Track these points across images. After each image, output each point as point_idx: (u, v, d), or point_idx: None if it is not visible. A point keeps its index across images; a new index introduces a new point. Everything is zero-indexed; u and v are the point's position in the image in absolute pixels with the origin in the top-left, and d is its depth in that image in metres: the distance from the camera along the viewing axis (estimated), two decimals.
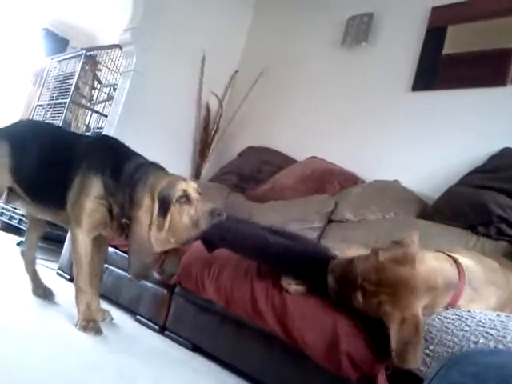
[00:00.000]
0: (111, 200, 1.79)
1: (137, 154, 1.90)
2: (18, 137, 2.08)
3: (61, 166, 1.90)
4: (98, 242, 1.97)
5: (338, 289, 1.46)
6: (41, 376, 1.33)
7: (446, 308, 1.34)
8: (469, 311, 1.30)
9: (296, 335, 1.57)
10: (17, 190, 2.07)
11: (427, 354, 1.26)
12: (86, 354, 1.63)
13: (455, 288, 1.35)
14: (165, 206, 1.68)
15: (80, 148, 1.92)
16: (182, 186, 1.71)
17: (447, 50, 2.87)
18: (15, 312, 1.87)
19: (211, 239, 1.81)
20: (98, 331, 1.81)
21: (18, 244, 3.57)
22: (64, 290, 2.35)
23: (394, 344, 1.26)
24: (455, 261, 1.39)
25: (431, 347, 1.27)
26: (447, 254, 1.43)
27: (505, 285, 1.46)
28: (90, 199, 1.80)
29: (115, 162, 1.83)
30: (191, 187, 1.74)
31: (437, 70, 2.91)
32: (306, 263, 1.63)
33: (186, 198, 1.70)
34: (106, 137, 2.10)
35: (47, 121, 4.25)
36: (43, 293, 2.19)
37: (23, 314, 1.89)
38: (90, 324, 1.81)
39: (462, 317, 1.27)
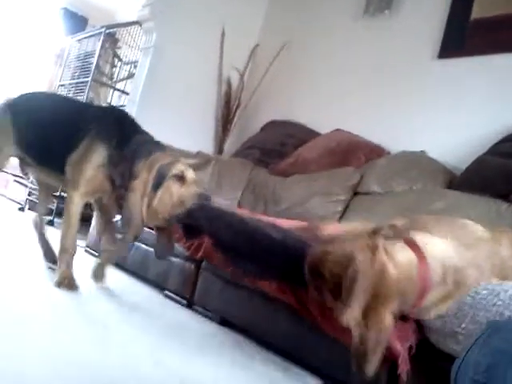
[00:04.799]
0: (112, 170, 1.85)
1: (143, 131, 1.96)
2: (22, 107, 2.14)
3: (66, 130, 1.94)
4: (106, 213, 2.08)
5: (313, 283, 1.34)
6: (65, 353, 1.35)
7: (413, 307, 1.25)
8: (500, 284, 1.26)
9: (316, 316, 1.53)
10: (25, 159, 2.15)
11: (459, 332, 1.22)
12: (114, 328, 1.65)
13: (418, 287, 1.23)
14: (159, 182, 1.77)
15: (88, 115, 1.97)
16: (179, 166, 1.80)
17: (476, 14, 2.76)
18: (38, 290, 1.89)
19: (193, 223, 1.80)
20: (72, 287, 1.88)
21: (47, 223, 3.62)
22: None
23: (353, 350, 1.16)
24: (421, 255, 1.23)
25: (463, 325, 1.23)
26: (416, 247, 1.25)
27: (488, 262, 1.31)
28: (92, 166, 1.84)
29: (122, 134, 1.88)
30: (188, 169, 1.82)
31: (464, 35, 2.81)
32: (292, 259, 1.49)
33: (180, 178, 1.78)
34: (115, 108, 2.16)
35: None
36: (53, 259, 2.21)
37: (45, 290, 1.91)
38: (66, 280, 1.88)
39: (494, 291, 1.23)
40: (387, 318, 1.14)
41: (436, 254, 1.24)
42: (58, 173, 2.00)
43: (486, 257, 1.29)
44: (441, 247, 1.26)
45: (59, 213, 3.49)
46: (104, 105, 1.93)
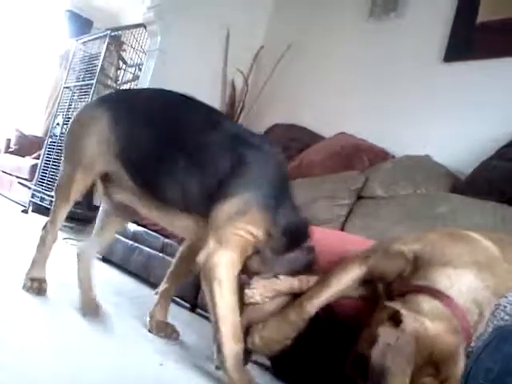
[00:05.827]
0: (267, 239, 1.41)
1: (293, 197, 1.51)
2: (128, 108, 1.65)
3: (202, 156, 1.48)
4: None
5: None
6: (67, 355, 1.35)
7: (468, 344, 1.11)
8: (505, 297, 1.17)
9: None
10: (117, 176, 1.64)
11: (470, 352, 1.16)
12: (118, 330, 1.65)
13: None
14: None
15: (237, 142, 1.47)
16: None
17: (482, 17, 2.75)
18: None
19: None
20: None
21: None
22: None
23: None
24: (450, 303, 1.13)
25: (473, 343, 1.18)
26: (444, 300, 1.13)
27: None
28: (245, 226, 1.37)
29: (280, 201, 1.43)
30: None
31: (470, 38, 2.80)
32: None
33: None
34: (271, 152, 1.53)
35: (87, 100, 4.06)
36: (93, 310, 1.70)
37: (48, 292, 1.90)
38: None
39: (500, 305, 1.18)
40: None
41: (464, 292, 1.15)
42: (169, 204, 1.52)
43: (503, 279, 1.21)
44: (466, 281, 1.16)
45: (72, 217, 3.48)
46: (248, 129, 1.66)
